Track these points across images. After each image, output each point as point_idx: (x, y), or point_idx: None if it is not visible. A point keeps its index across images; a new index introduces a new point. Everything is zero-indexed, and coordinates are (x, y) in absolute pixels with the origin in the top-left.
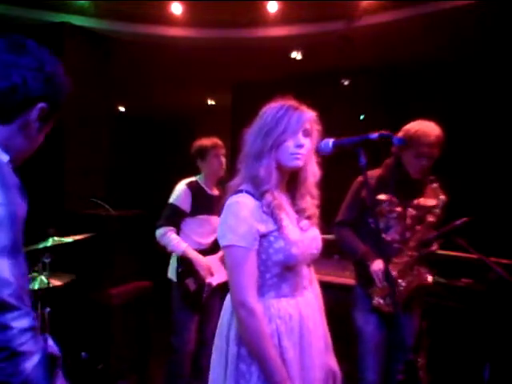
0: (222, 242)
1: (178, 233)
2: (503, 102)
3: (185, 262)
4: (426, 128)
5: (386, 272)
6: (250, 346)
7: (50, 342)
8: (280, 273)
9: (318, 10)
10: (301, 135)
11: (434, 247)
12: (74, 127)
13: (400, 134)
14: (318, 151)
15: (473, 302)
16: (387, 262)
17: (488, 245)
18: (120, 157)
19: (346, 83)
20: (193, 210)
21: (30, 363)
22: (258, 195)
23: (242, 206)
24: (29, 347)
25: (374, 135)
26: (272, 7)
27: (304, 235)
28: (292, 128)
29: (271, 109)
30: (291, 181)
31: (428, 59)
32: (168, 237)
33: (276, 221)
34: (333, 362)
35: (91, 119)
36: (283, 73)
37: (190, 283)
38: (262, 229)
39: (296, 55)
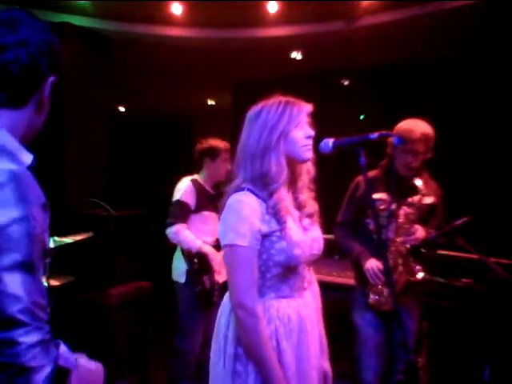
0: (222, 241)
1: None
2: (504, 102)
3: (194, 261)
4: (412, 125)
5: (386, 269)
6: (248, 347)
7: (63, 348)
8: (281, 273)
9: (317, 10)
10: (308, 126)
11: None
12: (74, 127)
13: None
14: (318, 151)
15: (472, 302)
16: (385, 261)
17: (488, 245)
18: (120, 157)
19: (346, 83)
20: (197, 206)
21: (41, 376)
22: (266, 195)
23: (244, 204)
24: (38, 361)
25: (374, 135)
26: (272, 7)
27: (306, 235)
28: (295, 118)
29: (268, 106)
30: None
31: (428, 59)
32: (181, 234)
33: (280, 223)
34: (325, 363)
35: (91, 119)
36: (283, 73)
37: (206, 280)
38: (264, 228)
39: (296, 55)
